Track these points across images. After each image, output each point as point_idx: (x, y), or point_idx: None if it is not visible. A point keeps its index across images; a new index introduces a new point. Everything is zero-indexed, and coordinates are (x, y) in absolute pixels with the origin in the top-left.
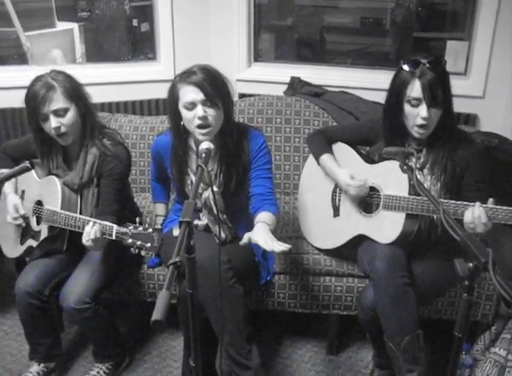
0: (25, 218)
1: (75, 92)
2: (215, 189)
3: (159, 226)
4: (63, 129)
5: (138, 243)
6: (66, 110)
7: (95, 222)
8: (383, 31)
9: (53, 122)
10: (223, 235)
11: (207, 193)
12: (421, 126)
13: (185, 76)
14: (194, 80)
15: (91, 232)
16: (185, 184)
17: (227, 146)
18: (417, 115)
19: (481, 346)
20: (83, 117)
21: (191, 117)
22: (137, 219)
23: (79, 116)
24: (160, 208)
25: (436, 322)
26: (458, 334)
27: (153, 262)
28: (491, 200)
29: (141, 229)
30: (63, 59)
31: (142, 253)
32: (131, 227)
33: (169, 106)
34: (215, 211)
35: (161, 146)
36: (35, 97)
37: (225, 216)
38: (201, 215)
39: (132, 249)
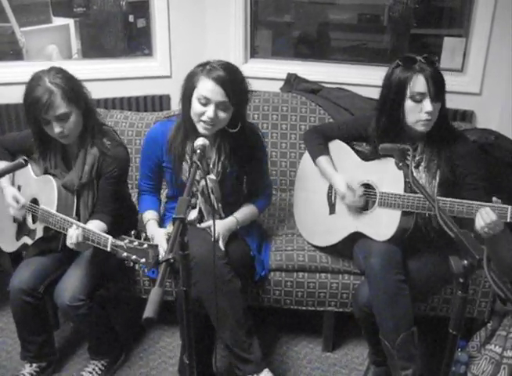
0: (25, 210)
1: (75, 93)
2: (213, 177)
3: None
4: (65, 132)
5: (133, 257)
6: (67, 115)
7: (79, 226)
8: (380, 28)
9: (56, 128)
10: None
11: (204, 182)
12: (425, 121)
13: (209, 70)
14: (216, 76)
15: (73, 235)
16: (181, 171)
17: (228, 136)
18: (421, 110)
19: (477, 343)
20: (84, 116)
21: (200, 112)
22: (132, 233)
23: (81, 116)
24: (151, 214)
25: (432, 319)
26: (452, 331)
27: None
28: (494, 199)
29: (136, 243)
30: (59, 55)
31: (137, 267)
32: (126, 241)
33: (184, 92)
34: (212, 199)
35: (157, 133)
36: (36, 103)
37: (220, 205)
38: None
39: (126, 262)
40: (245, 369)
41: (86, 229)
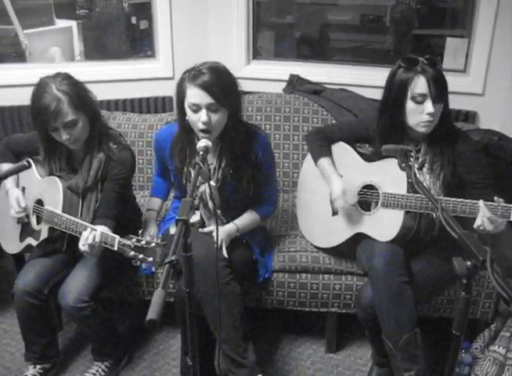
0: (26, 213)
1: (81, 99)
2: (213, 183)
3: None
4: (73, 139)
5: (141, 256)
6: (75, 122)
7: (93, 229)
8: (383, 28)
9: (64, 135)
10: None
11: (204, 187)
12: (427, 122)
13: (194, 75)
14: (201, 82)
15: (89, 236)
16: (182, 176)
17: (228, 141)
18: (422, 112)
19: (481, 344)
20: (91, 121)
21: (195, 120)
22: (140, 232)
23: (88, 122)
24: (155, 203)
25: (435, 320)
26: (456, 333)
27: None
28: (496, 198)
29: (143, 242)
30: (62, 57)
31: (144, 266)
32: (133, 240)
33: (176, 101)
34: (211, 206)
35: (162, 137)
36: (44, 111)
37: (219, 212)
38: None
39: (133, 261)
40: (238, 373)
41: (93, 229)
